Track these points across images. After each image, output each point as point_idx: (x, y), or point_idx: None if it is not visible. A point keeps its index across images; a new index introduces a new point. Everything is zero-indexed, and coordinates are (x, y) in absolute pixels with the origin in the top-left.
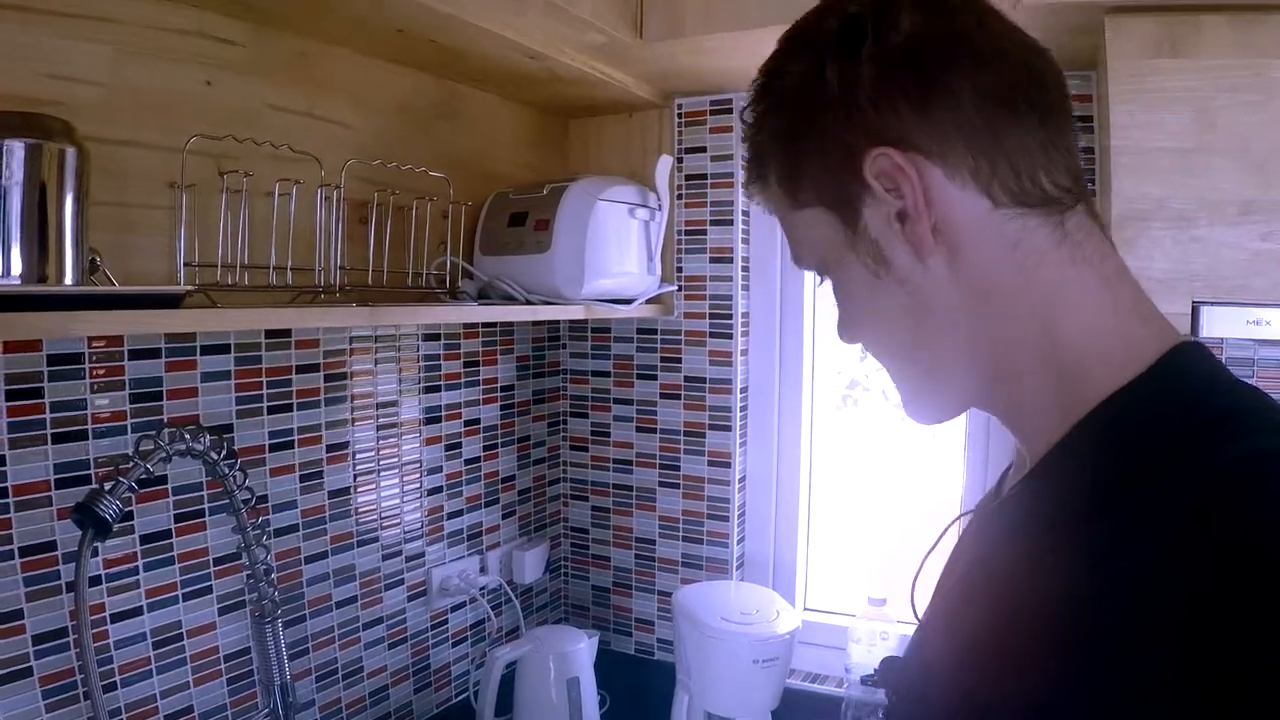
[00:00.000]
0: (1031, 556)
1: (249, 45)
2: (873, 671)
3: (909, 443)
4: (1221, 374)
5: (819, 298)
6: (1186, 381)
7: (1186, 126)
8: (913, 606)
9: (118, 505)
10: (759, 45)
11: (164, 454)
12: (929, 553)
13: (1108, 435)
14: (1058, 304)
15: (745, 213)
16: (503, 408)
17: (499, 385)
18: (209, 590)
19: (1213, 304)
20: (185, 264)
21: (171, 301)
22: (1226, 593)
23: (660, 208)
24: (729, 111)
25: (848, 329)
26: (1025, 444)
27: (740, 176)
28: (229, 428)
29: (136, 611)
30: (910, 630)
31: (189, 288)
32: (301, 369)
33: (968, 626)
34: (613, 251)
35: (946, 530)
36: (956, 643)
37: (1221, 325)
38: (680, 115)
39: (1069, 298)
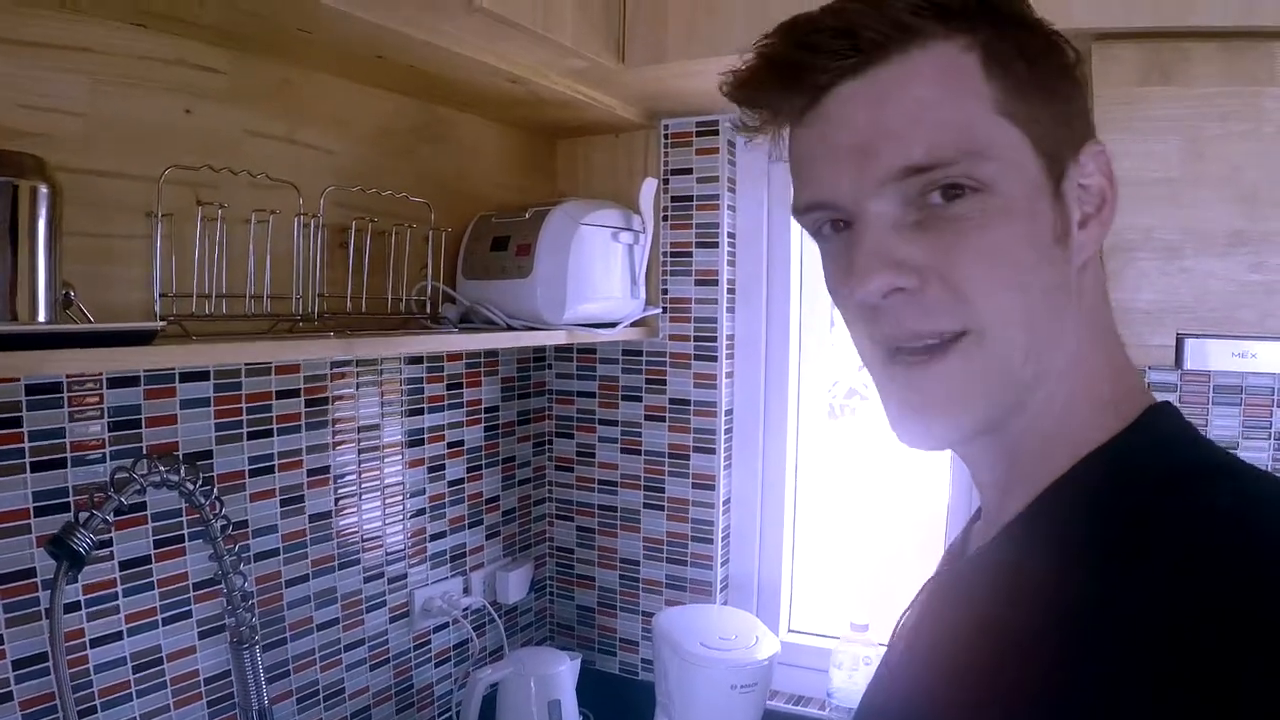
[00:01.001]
0: (1020, 611)
1: (230, 73)
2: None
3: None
4: (1195, 434)
5: (805, 319)
6: (1169, 437)
7: (1175, 156)
8: (889, 669)
9: (90, 539)
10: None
11: (139, 485)
12: (908, 608)
13: (1099, 483)
14: (1107, 348)
15: (731, 235)
16: (486, 429)
17: (483, 407)
18: (189, 615)
19: (1198, 336)
20: (161, 294)
21: (144, 338)
22: (1210, 640)
23: (644, 231)
24: (715, 133)
25: (959, 270)
26: (1000, 494)
27: (727, 198)
28: (208, 454)
29: (116, 636)
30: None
31: (161, 324)
32: (282, 394)
33: (953, 682)
34: (595, 276)
35: (925, 586)
36: (942, 698)
37: (1206, 357)
38: (667, 136)
39: (1105, 347)
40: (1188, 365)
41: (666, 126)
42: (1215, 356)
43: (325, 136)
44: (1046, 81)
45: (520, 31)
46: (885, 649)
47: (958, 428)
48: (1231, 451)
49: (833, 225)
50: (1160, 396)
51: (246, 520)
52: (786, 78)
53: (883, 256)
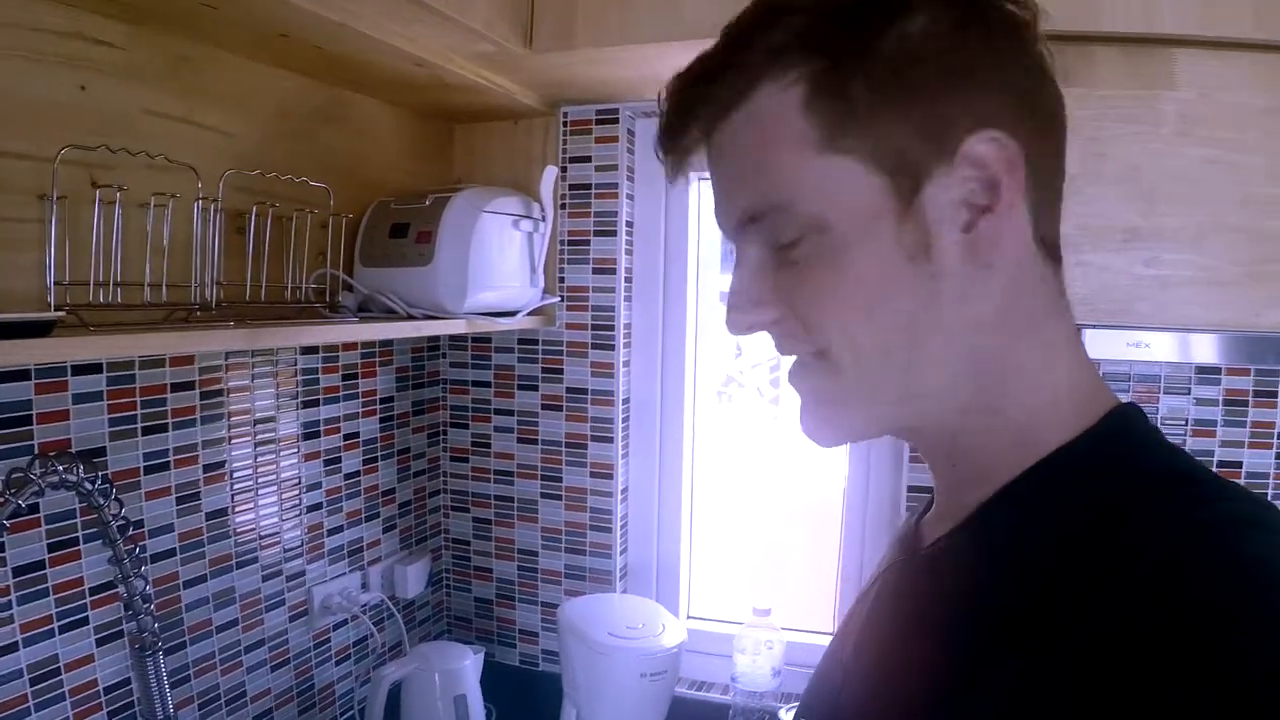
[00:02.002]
0: (978, 609)
1: (128, 48)
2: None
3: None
4: (1161, 438)
5: (701, 310)
6: (1132, 442)
7: (1075, 154)
8: (841, 662)
9: None
10: (651, 59)
11: (37, 487)
12: (857, 600)
13: (1058, 488)
14: (1050, 351)
15: (629, 224)
16: (382, 420)
17: (378, 397)
18: (86, 621)
19: (1095, 327)
20: (55, 282)
21: (42, 329)
22: (1187, 657)
23: (544, 219)
24: (615, 121)
25: (793, 309)
26: (953, 489)
27: (626, 187)
28: (102, 451)
29: (12, 648)
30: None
31: (58, 314)
32: (176, 387)
33: (910, 681)
34: (496, 264)
35: (876, 579)
36: (899, 697)
37: (1102, 347)
38: (566, 124)
39: (1053, 349)
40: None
41: (566, 114)
42: (1111, 346)
43: (225, 118)
44: (899, 93)
45: (433, 14)
46: (833, 641)
47: (844, 433)
48: (1196, 459)
49: None
50: None
51: (142, 520)
52: (675, 140)
53: (747, 295)
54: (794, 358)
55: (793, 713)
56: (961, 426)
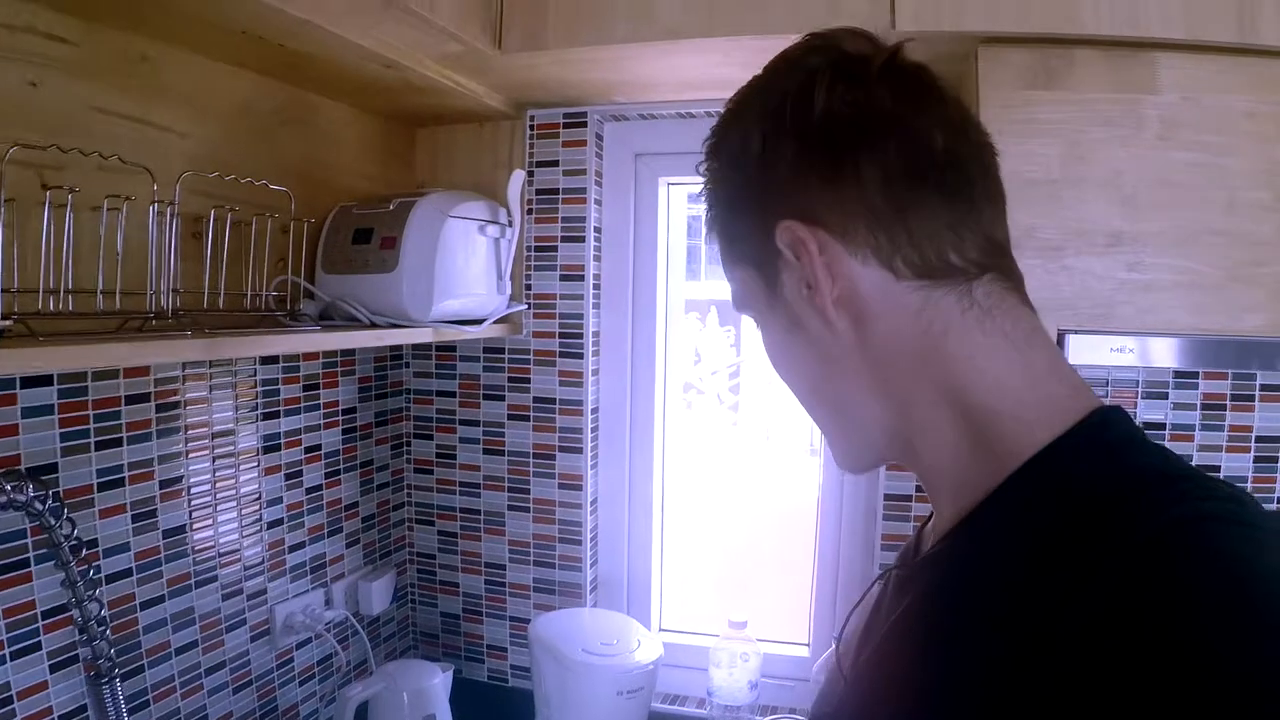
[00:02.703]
0: (966, 613)
1: (82, 44)
2: None
3: (743, 444)
4: (1144, 437)
5: (671, 317)
6: (1114, 443)
7: (1057, 157)
8: (838, 661)
9: None
10: (621, 60)
11: None
12: (854, 608)
13: (1039, 492)
14: (965, 367)
15: (597, 229)
16: (344, 432)
17: (340, 408)
18: (39, 647)
19: (1078, 332)
20: (3, 289)
21: None
22: (1168, 653)
23: (511, 224)
24: (583, 124)
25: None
26: (944, 500)
27: (594, 192)
28: (53, 467)
29: None
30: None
31: (6, 323)
32: (131, 399)
33: (902, 687)
34: (462, 271)
35: (873, 585)
36: (891, 703)
37: (1086, 353)
38: (533, 127)
39: (976, 362)
40: (1070, 360)
41: (533, 117)
42: (1096, 352)
43: (182, 118)
44: (737, 216)
45: (402, 11)
46: (836, 650)
47: (844, 467)
48: (1180, 458)
49: None
50: None
51: (96, 539)
52: None
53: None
54: None
55: None
56: (920, 451)
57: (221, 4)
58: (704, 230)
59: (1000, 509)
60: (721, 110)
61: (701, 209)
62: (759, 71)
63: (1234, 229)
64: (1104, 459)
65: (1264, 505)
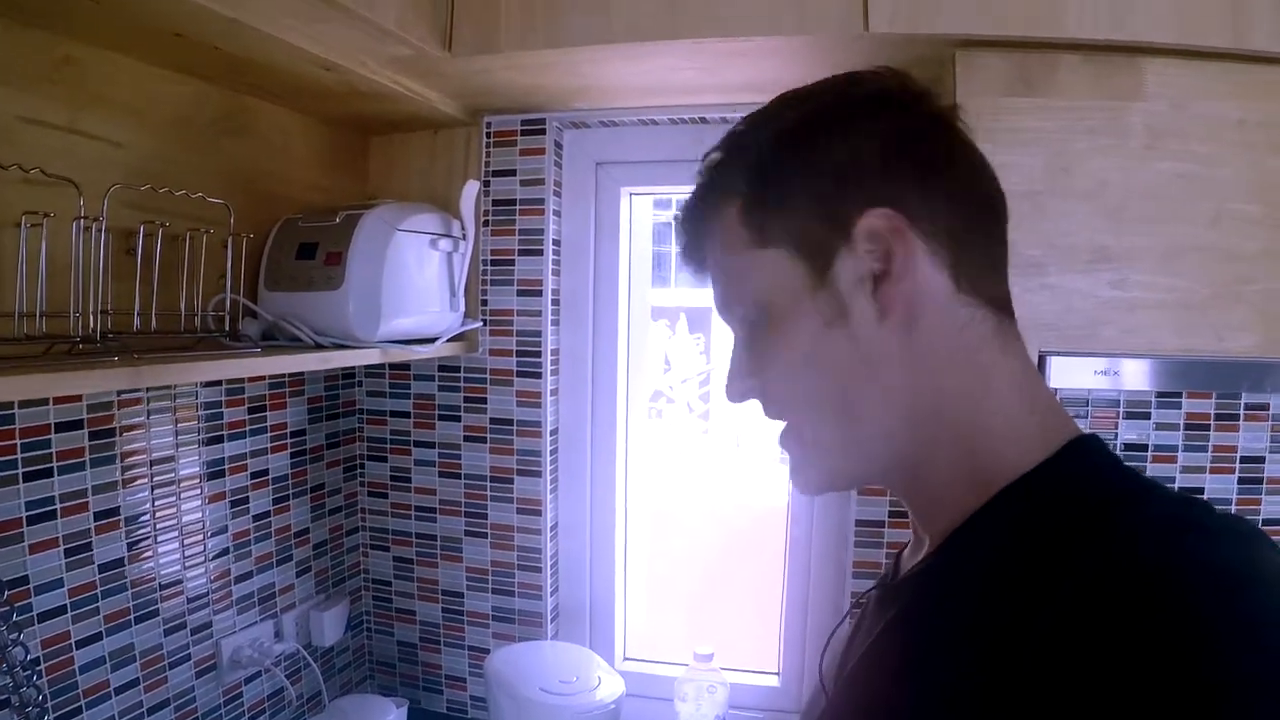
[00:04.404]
0: (941, 630)
1: (1, 47)
2: None
3: (715, 454)
4: (1118, 461)
5: (633, 333)
6: (1087, 467)
7: (1039, 168)
8: (822, 682)
9: None
10: (579, 63)
11: None
12: (835, 629)
13: (1016, 513)
14: (988, 386)
15: (556, 242)
16: (293, 455)
17: (288, 431)
18: None
19: (1060, 354)
20: None
21: None
22: (1123, 653)
23: (465, 237)
24: (541, 132)
25: (764, 377)
26: (924, 522)
27: (553, 203)
28: None
29: None
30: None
31: None
32: (62, 427)
33: (880, 703)
34: (413, 287)
35: (852, 609)
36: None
37: (1068, 375)
38: (489, 135)
39: (997, 382)
40: (1051, 384)
41: (489, 124)
42: (1078, 374)
43: (113, 126)
44: (800, 194)
45: (338, 10)
46: (818, 673)
47: (818, 488)
48: (1153, 480)
49: None
50: None
51: (26, 576)
52: (691, 264)
53: (735, 369)
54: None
55: None
56: (915, 468)
57: (142, 2)
58: (690, 211)
59: (979, 530)
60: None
61: (669, 216)
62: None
63: (1221, 244)
64: (1075, 487)
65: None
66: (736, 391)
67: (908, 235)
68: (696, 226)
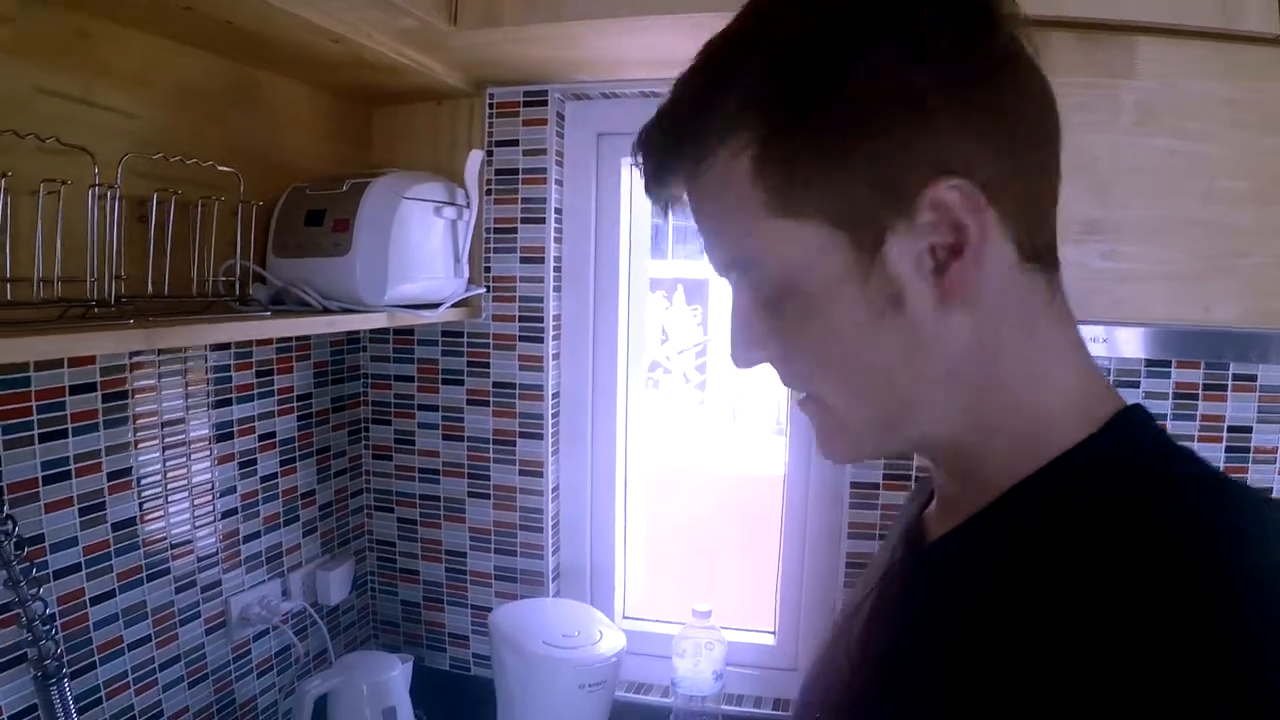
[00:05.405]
0: (978, 610)
1: (18, 20)
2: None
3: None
4: (1166, 440)
5: (634, 300)
6: (1135, 446)
7: None
8: (848, 656)
9: None
10: (582, 36)
11: None
12: (863, 600)
13: (1062, 494)
14: (1047, 362)
15: (558, 210)
16: (300, 418)
17: (295, 394)
18: None
19: None
20: None
21: None
22: (1190, 669)
23: (469, 205)
24: (544, 103)
25: (783, 355)
26: (960, 489)
27: (555, 173)
28: None
29: None
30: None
31: None
32: (76, 389)
33: (914, 676)
34: (418, 253)
35: (884, 574)
36: (905, 691)
37: None
38: (492, 106)
39: (1053, 357)
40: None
41: (492, 96)
42: None
43: (125, 98)
44: (850, 153)
45: None
46: (834, 632)
47: (849, 458)
48: (1200, 459)
49: None
50: None
51: (42, 534)
52: (657, 195)
53: (741, 337)
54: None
55: None
56: (961, 441)
57: None
58: (684, 136)
59: (1018, 508)
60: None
61: None
62: None
63: (1212, 218)
64: (1122, 463)
65: None
66: (741, 361)
67: (985, 210)
68: (676, 165)
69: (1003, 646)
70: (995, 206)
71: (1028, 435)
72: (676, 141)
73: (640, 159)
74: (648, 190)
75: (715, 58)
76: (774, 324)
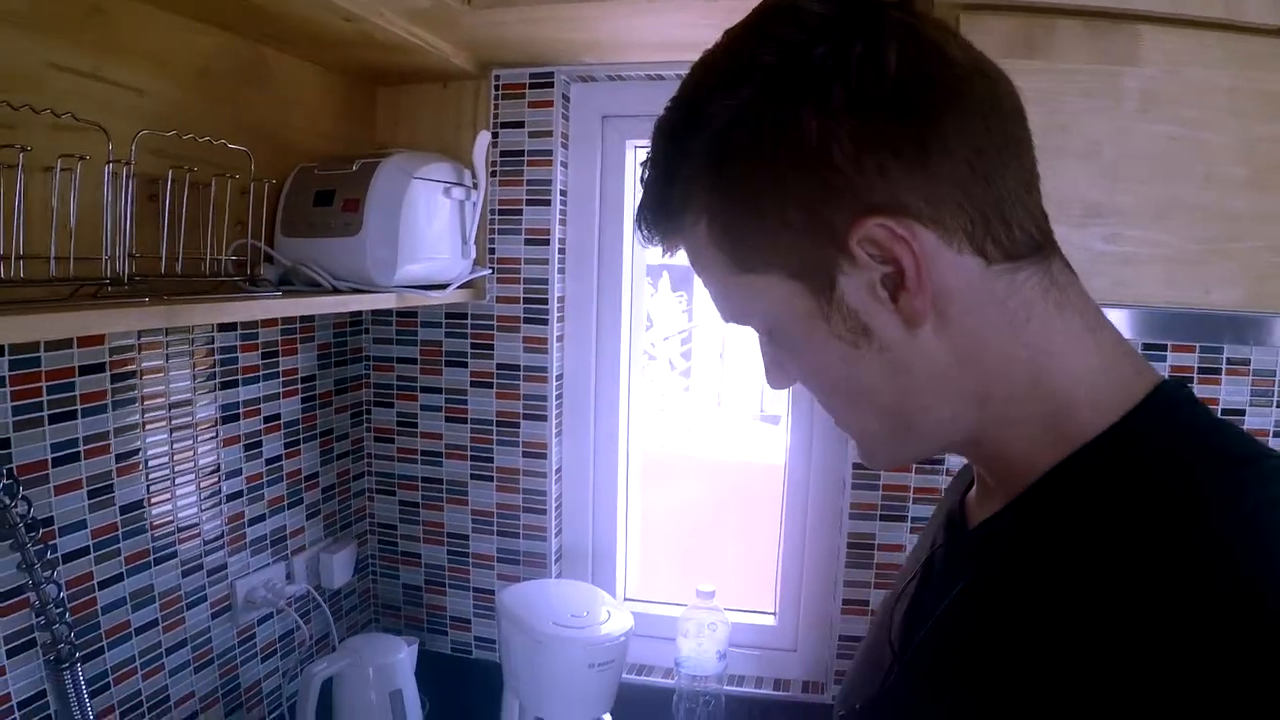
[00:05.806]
0: (1030, 604)
1: None
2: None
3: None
4: (1208, 413)
5: (637, 282)
6: (1181, 420)
7: (1036, 127)
8: (890, 643)
9: None
10: (593, 19)
11: None
12: (907, 583)
13: (1105, 475)
14: (1048, 355)
15: (563, 192)
16: (304, 400)
17: (299, 376)
18: None
19: None
20: None
21: None
22: (1247, 638)
23: (476, 187)
24: (549, 85)
25: (809, 388)
26: (996, 479)
27: (560, 155)
28: (6, 442)
29: None
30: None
31: None
32: (85, 370)
33: (963, 677)
34: (426, 234)
35: (926, 560)
36: (951, 693)
37: None
38: (498, 87)
39: (1057, 346)
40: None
41: (498, 77)
42: None
43: (138, 75)
44: (783, 211)
45: None
46: (878, 620)
47: (883, 464)
48: (1243, 433)
49: None
50: None
51: (52, 516)
52: (657, 247)
53: (769, 365)
54: None
55: None
56: (983, 436)
57: None
58: (652, 225)
59: (1062, 491)
60: (691, 83)
61: None
62: (731, 36)
63: (1211, 204)
64: (1170, 439)
65: None
66: (775, 385)
67: (916, 236)
68: (662, 233)
69: (1038, 633)
70: (936, 229)
71: (1049, 424)
72: (654, 217)
73: (637, 225)
74: (648, 242)
75: (667, 137)
76: (780, 357)
